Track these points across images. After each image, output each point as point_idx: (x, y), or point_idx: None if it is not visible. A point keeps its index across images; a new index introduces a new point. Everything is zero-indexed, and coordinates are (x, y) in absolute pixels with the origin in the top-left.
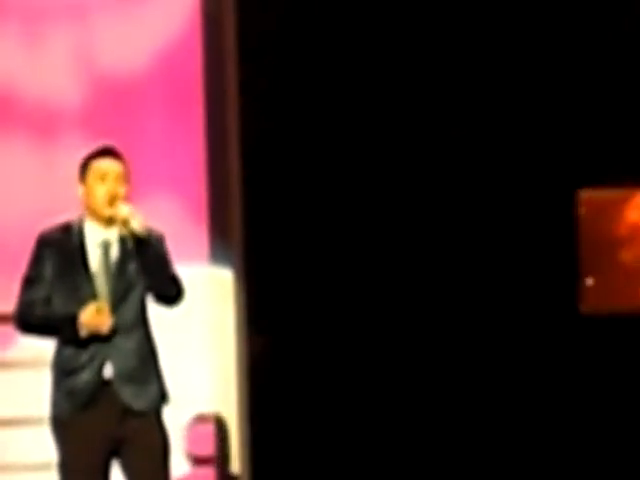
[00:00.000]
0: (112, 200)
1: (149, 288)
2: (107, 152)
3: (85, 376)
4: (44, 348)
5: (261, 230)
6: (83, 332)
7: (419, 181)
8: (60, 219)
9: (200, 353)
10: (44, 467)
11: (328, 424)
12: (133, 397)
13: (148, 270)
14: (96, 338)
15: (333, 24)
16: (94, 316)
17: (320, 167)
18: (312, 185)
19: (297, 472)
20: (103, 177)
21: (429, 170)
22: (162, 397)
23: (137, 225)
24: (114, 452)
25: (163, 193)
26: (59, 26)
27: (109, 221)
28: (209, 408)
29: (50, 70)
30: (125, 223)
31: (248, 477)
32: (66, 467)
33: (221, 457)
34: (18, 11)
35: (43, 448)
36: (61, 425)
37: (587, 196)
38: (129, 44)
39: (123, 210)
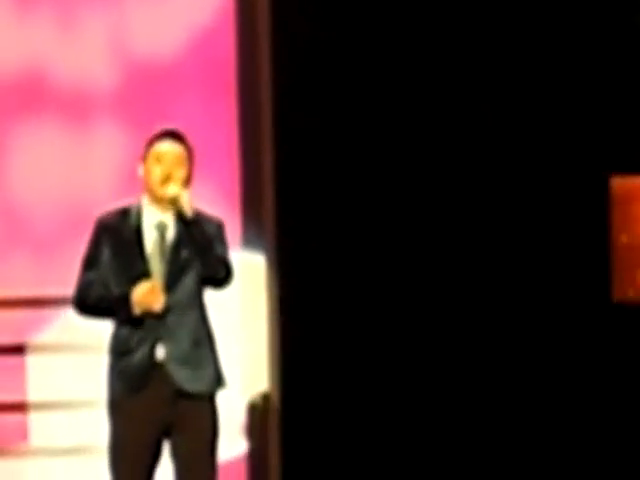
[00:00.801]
0: (166, 180)
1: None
2: (167, 134)
3: (137, 357)
4: (76, 332)
5: (294, 216)
6: (136, 310)
7: (451, 172)
8: (91, 203)
9: (233, 338)
10: (75, 451)
11: (360, 409)
12: (188, 380)
13: (194, 251)
14: (149, 319)
15: (372, 12)
16: (146, 294)
17: (354, 154)
18: (345, 172)
19: (329, 460)
20: (160, 158)
21: (461, 160)
22: (218, 381)
23: (185, 206)
24: (165, 433)
25: (196, 178)
26: (93, 10)
27: (165, 202)
28: (240, 394)
29: (84, 54)
30: (173, 202)
31: (280, 466)
32: (117, 448)
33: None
34: None
35: (74, 432)
36: (114, 406)
37: (619, 183)
38: (163, 28)
39: (172, 189)
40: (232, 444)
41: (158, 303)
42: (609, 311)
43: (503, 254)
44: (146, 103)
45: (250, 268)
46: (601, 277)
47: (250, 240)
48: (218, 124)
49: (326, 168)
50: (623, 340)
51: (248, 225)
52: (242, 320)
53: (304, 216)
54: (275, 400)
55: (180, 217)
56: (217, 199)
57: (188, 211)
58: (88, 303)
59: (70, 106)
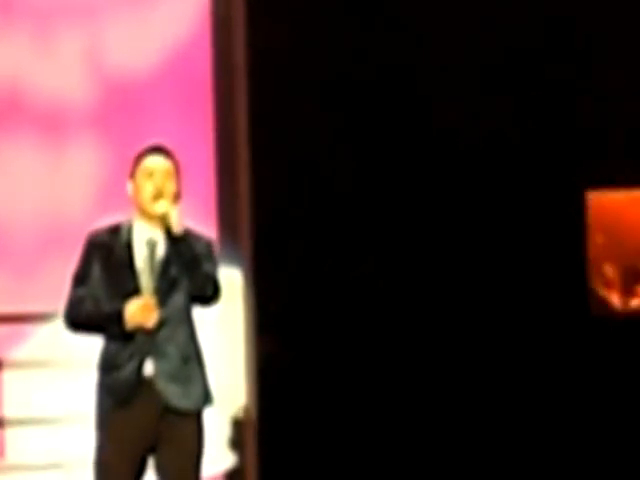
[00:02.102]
0: (158, 196)
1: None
2: (156, 149)
3: (125, 373)
4: (53, 348)
5: (270, 230)
6: (129, 327)
7: (430, 180)
8: (68, 219)
9: (209, 353)
10: (51, 467)
11: (337, 424)
12: (176, 396)
13: (182, 268)
14: (140, 335)
15: (344, 25)
16: (139, 310)
17: (329, 169)
18: (323, 187)
19: (306, 472)
20: (150, 174)
21: (439, 169)
22: (206, 398)
23: (174, 223)
24: (151, 449)
25: None
26: (69, 26)
27: (155, 219)
28: (217, 408)
29: (60, 70)
30: (162, 219)
31: (256, 476)
32: (102, 462)
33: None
34: (28, 11)
35: (51, 448)
36: (101, 421)
37: (596, 197)
38: (139, 44)
39: (161, 207)
40: (214, 460)
41: (151, 320)
42: (587, 325)
43: (483, 267)
44: (122, 119)
45: (227, 283)
46: (578, 292)
47: (227, 255)
48: (194, 140)
49: (303, 184)
50: (600, 355)
51: (225, 240)
52: (218, 334)
53: (280, 231)
54: (252, 415)
55: (169, 234)
56: (193, 214)
57: (177, 228)
58: (79, 319)
59: (46, 122)
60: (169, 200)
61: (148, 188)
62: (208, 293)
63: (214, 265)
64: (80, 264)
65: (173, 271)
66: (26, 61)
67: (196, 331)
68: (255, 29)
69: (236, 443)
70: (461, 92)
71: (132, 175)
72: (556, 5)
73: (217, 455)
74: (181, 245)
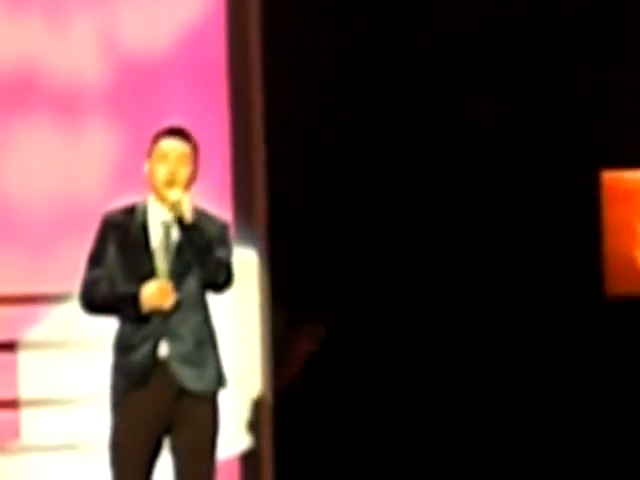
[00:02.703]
0: (171, 180)
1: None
2: (173, 132)
3: (140, 354)
4: (68, 329)
5: (285, 212)
6: (145, 309)
7: (443, 165)
8: (83, 201)
9: (224, 335)
10: (67, 448)
11: (353, 405)
12: (190, 379)
13: (193, 256)
14: (155, 317)
15: (361, 4)
16: (156, 293)
17: (345, 151)
18: (336, 169)
19: (322, 453)
20: (165, 156)
21: (453, 156)
22: (219, 380)
23: (185, 212)
24: (166, 430)
25: None
26: (83, 8)
27: (168, 205)
28: (233, 390)
29: (74, 51)
30: (174, 207)
31: (273, 464)
32: (117, 444)
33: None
34: None
35: (66, 429)
36: (116, 402)
37: (610, 178)
38: (153, 25)
39: (174, 194)
40: (229, 442)
41: (168, 302)
42: (602, 308)
43: (495, 254)
44: (137, 100)
45: (242, 264)
46: (594, 273)
47: (242, 237)
48: (209, 121)
49: (317, 165)
50: (616, 336)
51: (240, 222)
52: (234, 315)
53: (296, 212)
54: (268, 397)
55: (180, 222)
56: (208, 196)
57: (188, 216)
58: (95, 300)
59: (61, 103)
60: (182, 187)
61: (162, 171)
62: (220, 280)
63: (228, 250)
64: (95, 245)
65: (188, 254)
66: (40, 42)
67: (210, 314)
68: (270, 9)
69: (252, 425)
70: (475, 81)
71: (149, 154)
72: None
73: (232, 437)
74: (193, 232)
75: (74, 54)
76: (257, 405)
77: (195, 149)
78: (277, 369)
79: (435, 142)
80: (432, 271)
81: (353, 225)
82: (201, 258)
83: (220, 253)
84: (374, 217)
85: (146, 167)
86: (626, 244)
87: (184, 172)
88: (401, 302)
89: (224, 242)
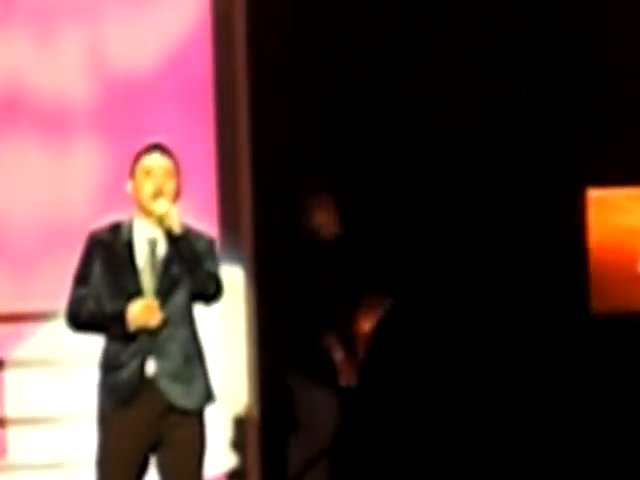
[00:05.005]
0: (157, 194)
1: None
2: (154, 148)
3: (127, 372)
4: (53, 347)
5: (271, 229)
6: (131, 327)
7: (430, 177)
8: (69, 218)
9: (211, 352)
10: (53, 466)
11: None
12: (179, 395)
13: (183, 267)
14: (141, 334)
15: (344, 19)
16: (142, 311)
17: (330, 167)
18: (322, 184)
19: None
20: (149, 172)
21: (440, 166)
22: (208, 396)
23: (174, 223)
24: (152, 448)
25: None
26: (70, 24)
27: (156, 218)
28: (219, 408)
29: (61, 69)
30: (161, 220)
31: (258, 476)
32: (105, 462)
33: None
34: (30, 9)
35: (52, 447)
36: (103, 420)
37: (596, 195)
38: (140, 42)
39: (161, 206)
40: (216, 460)
41: (155, 320)
42: (587, 324)
43: (481, 269)
44: (124, 117)
45: (228, 282)
46: (579, 290)
47: (228, 253)
48: (196, 138)
49: (304, 182)
50: (601, 352)
51: (226, 239)
52: (220, 333)
53: (282, 230)
54: (255, 414)
55: (169, 233)
56: (194, 213)
57: (176, 228)
58: (81, 318)
59: (48, 121)
60: (169, 199)
61: (147, 187)
62: (210, 291)
63: (215, 263)
64: (81, 263)
65: (174, 270)
66: (28, 60)
67: (197, 330)
68: (256, 27)
69: (238, 443)
70: (465, 90)
71: (132, 174)
72: None
73: (219, 455)
74: (181, 244)
75: (61, 72)
76: (244, 422)
77: (177, 164)
78: (264, 386)
79: (421, 156)
80: (419, 284)
81: (342, 241)
82: (191, 270)
83: (209, 265)
84: (359, 235)
85: (129, 187)
86: (611, 261)
87: (170, 185)
88: (398, 315)
89: (212, 256)
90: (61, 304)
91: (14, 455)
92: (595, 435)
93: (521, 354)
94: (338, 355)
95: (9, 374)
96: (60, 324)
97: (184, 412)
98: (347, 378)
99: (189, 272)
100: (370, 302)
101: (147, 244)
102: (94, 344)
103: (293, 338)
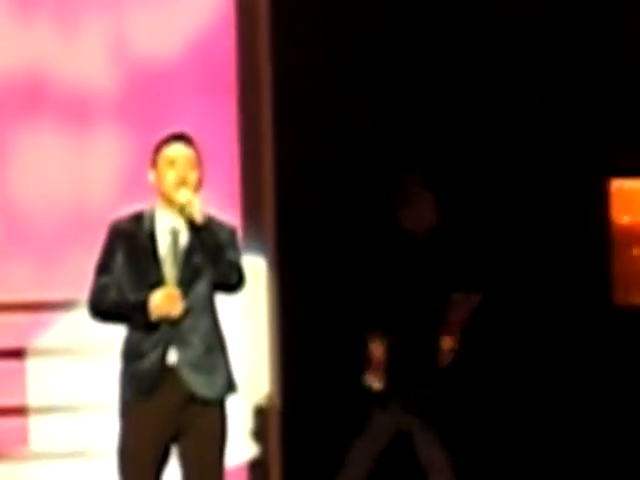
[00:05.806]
0: (181, 184)
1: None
2: (177, 137)
3: (149, 361)
4: (75, 336)
5: (293, 219)
6: (153, 317)
7: (451, 170)
8: (92, 207)
9: (232, 342)
10: (75, 455)
11: (361, 413)
12: (200, 385)
13: (206, 257)
14: (163, 324)
15: (369, 12)
16: (164, 300)
17: (354, 156)
18: (345, 174)
19: (330, 461)
20: (172, 162)
21: (462, 158)
22: (229, 386)
23: (196, 213)
24: (174, 437)
25: None
26: (93, 13)
27: (179, 207)
28: (241, 397)
29: (84, 57)
30: (183, 209)
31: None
32: (126, 451)
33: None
34: None
35: (74, 436)
36: (125, 410)
37: (618, 185)
38: (163, 31)
39: (183, 196)
40: (237, 449)
41: (176, 310)
42: (610, 316)
43: (504, 261)
44: (146, 106)
45: (251, 271)
46: (602, 281)
47: (250, 243)
48: (218, 127)
49: (326, 170)
50: (624, 344)
51: (248, 229)
52: (242, 323)
53: (304, 220)
54: (276, 404)
55: (191, 223)
56: (217, 202)
57: (198, 217)
58: (103, 308)
59: (70, 109)
60: (191, 189)
61: (170, 177)
62: (233, 280)
63: (237, 252)
64: (104, 252)
65: (196, 260)
66: (50, 48)
67: (219, 320)
68: (280, 17)
69: (259, 433)
70: (483, 80)
71: (153, 164)
72: None
73: (240, 445)
74: (204, 233)
75: (83, 60)
76: (265, 412)
77: (199, 154)
78: (286, 376)
79: (444, 149)
80: (437, 276)
81: (361, 232)
82: (213, 259)
83: (231, 255)
84: (382, 223)
85: (151, 176)
86: (635, 251)
87: (193, 175)
88: (410, 308)
89: (234, 245)
90: (83, 293)
91: (36, 443)
92: (618, 425)
93: (544, 345)
94: (377, 353)
95: (31, 363)
96: (82, 313)
97: (205, 402)
98: (375, 380)
99: (211, 262)
100: (460, 298)
101: (169, 234)
102: (116, 333)
103: (315, 327)
